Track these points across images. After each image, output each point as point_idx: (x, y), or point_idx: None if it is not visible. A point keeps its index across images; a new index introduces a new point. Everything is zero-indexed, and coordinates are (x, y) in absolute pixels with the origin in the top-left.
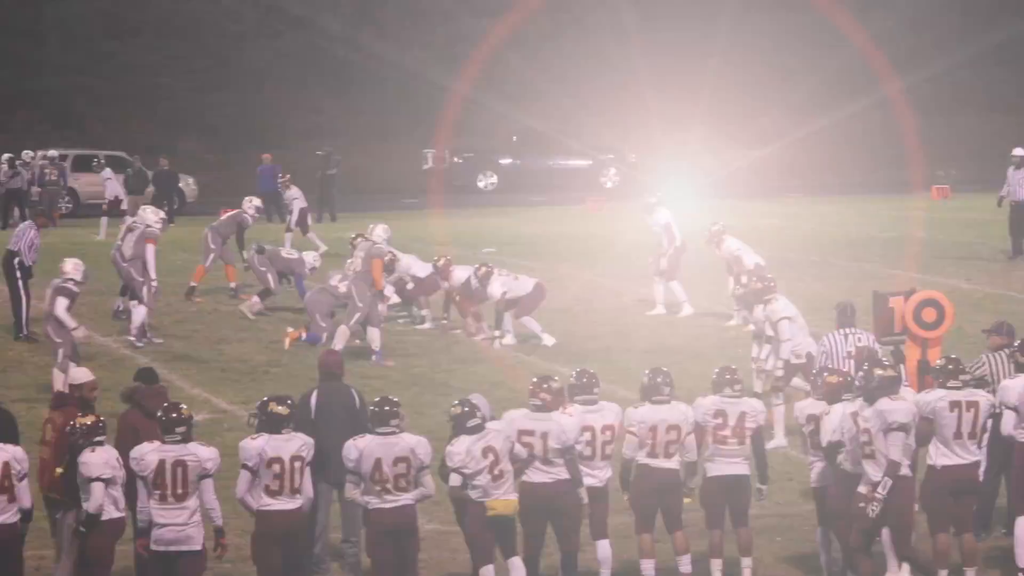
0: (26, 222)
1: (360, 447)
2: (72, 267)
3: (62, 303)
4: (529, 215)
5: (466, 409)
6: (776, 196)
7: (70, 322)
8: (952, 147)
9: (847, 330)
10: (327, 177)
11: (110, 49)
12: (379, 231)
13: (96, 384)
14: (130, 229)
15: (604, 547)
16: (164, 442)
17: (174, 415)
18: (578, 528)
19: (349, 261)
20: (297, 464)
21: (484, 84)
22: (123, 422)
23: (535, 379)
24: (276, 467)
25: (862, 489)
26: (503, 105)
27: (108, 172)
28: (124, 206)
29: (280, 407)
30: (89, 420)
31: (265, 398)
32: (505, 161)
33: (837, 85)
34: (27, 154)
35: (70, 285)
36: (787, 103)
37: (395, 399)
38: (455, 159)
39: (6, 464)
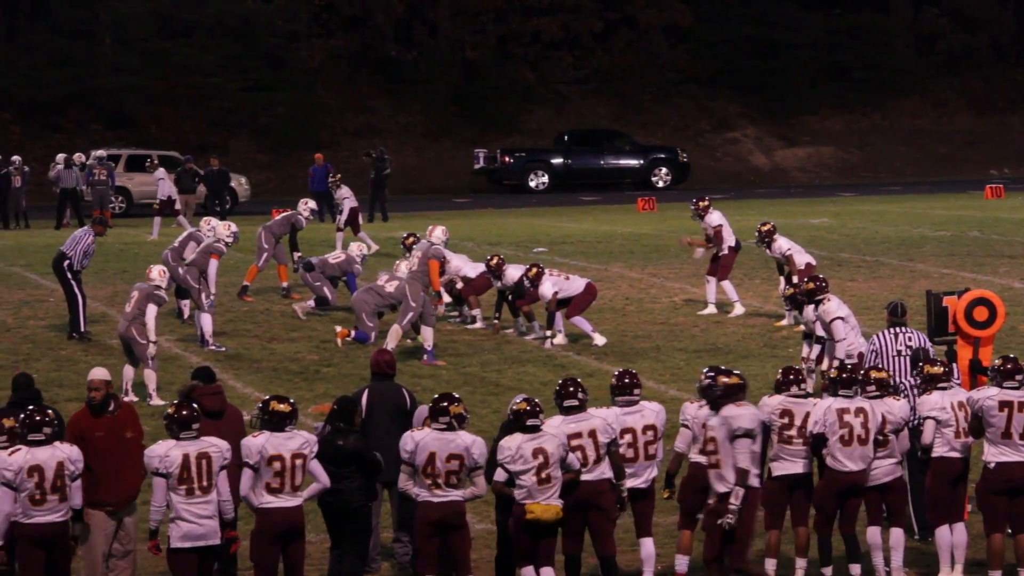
0: (83, 228)
1: (417, 439)
2: (159, 274)
3: (153, 310)
4: (580, 214)
5: (528, 408)
6: (828, 195)
7: (153, 334)
8: (1006, 146)
9: (897, 329)
10: (381, 177)
11: (163, 49)
12: (438, 232)
13: (98, 385)
14: (194, 238)
15: (648, 545)
16: (180, 439)
17: (185, 412)
18: (612, 529)
19: (399, 262)
20: (299, 462)
21: (535, 83)
22: None
23: (562, 382)
24: (277, 464)
25: (710, 500)
26: (554, 104)
27: (161, 172)
28: (177, 206)
29: (282, 405)
30: None
31: (267, 397)
32: (556, 160)
33: (890, 83)
34: (78, 156)
35: (161, 293)
36: (840, 102)
37: (456, 396)
38: (506, 158)
39: (60, 464)
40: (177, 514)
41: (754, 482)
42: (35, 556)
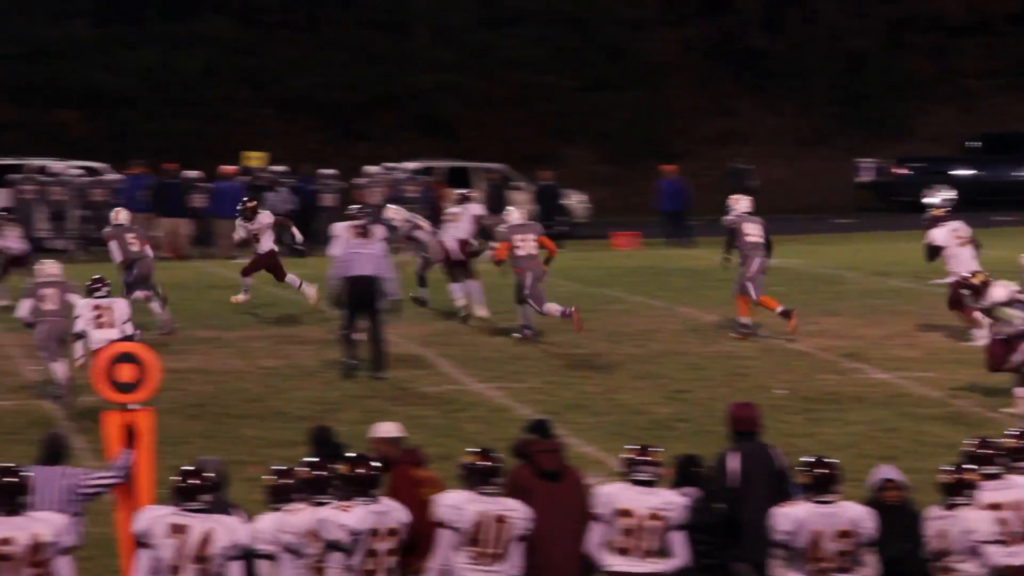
0: None
1: (795, 516)
2: None
3: None
4: (990, 238)
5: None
6: None
7: None
8: None
9: None
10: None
11: (486, 42)
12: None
13: None
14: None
15: None
16: (480, 492)
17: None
18: None
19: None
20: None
21: (936, 77)
22: (512, 481)
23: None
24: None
25: None
26: (960, 103)
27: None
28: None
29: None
30: None
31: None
32: (963, 172)
33: None
34: (371, 169)
35: None
36: None
37: (834, 461)
38: (900, 170)
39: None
40: None
41: None
42: None
